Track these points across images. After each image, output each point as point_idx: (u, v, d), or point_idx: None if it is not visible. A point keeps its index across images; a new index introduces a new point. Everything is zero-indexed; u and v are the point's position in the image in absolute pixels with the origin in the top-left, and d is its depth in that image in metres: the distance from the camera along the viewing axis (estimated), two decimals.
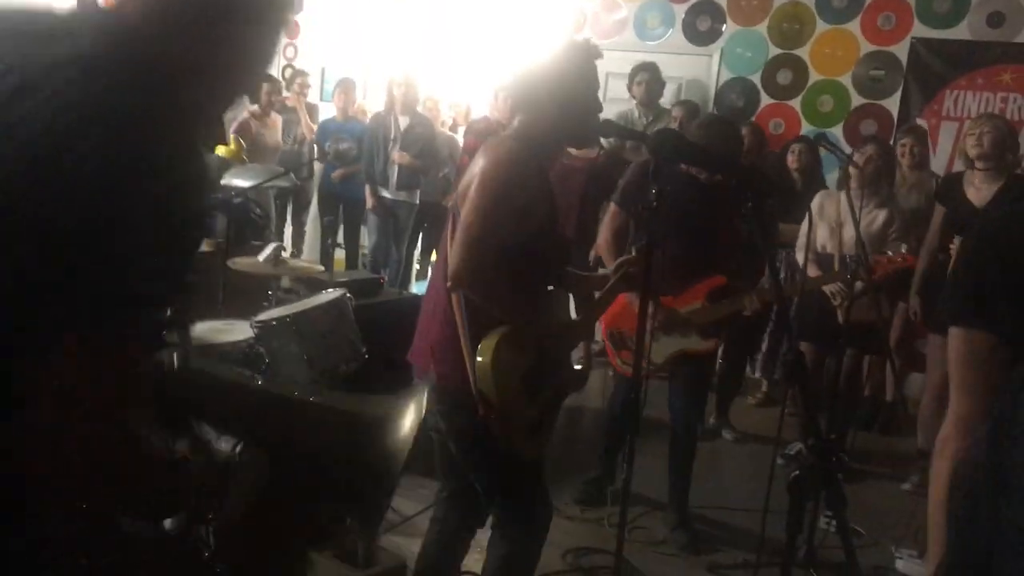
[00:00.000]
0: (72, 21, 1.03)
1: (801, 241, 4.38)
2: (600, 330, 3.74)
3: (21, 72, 0.94)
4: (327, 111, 7.18)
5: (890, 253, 3.73)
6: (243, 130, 6.09)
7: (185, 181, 0.98)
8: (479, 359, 2.10)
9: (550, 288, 2.41)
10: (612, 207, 3.63)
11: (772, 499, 2.47)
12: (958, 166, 5.58)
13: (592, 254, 5.46)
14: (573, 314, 3.93)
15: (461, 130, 6.75)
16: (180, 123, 1.01)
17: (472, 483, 2.34)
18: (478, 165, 2.15)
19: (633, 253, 2.57)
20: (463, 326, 2.14)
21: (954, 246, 3.98)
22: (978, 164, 3.99)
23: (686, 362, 3.46)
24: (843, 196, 3.82)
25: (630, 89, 5.81)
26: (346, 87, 6.84)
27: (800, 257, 4.55)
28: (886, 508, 4.00)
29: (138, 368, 0.98)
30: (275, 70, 7.18)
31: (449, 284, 2.11)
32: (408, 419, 1.35)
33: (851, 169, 4.04)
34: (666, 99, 6.04)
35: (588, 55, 2.22)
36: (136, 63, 0.99)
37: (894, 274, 3.68)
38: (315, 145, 6.74)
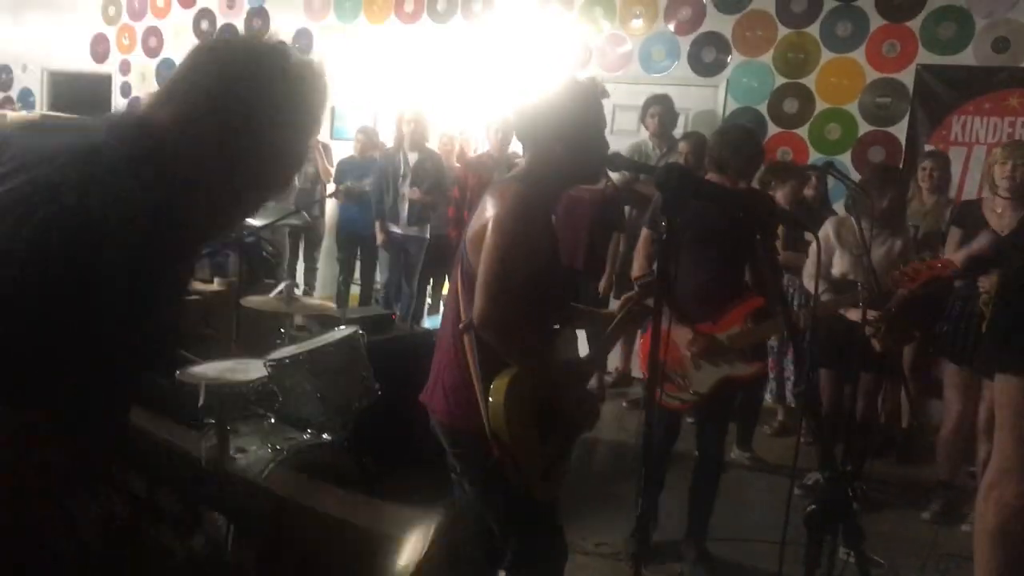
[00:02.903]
0: (102, 124, 1.08)
1: (810, 269, 4.36)
2: (639, 363, 3.69)
3: (45, 176, 0.98)
4: (338, 149, 7.25)
5: (928, 257, 3.61)
6: None
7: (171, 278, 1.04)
8: (491, 400, 2.08)
9: (557, 326, 2.37)
10: (644, 232, 3.69)
11: (790, 530, 2.44)
12: (968, 190, 5.61)
13: (602, 284, 5.48)
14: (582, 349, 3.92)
15: None
16: (184, 225, 1.04)
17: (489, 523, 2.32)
18: (488, 211, 2.12)
19: (636, 289, 2.52)
20: (475, 368, 2.13)
21: (984, 284, 3.93)
22: (1005, 194, 3.98)
23: (729, 389, 3.36)
24: (854, 223, 3.79)
25: (643, 121, 5.85)
26: (368, 134, 6.99)
27: (808, 283, 4.53)
28: (905, 537, 3.95)
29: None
30: None
31: (476, 329, 2.08)
32: (415, 544, 1.32)
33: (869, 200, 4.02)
34: (675, 130, 6.07)
35: (595, 95, 2.21)
36: (158, 164, 1.02)
37: (932, 282, 3.53)
38: (328, 183, 6.86)
